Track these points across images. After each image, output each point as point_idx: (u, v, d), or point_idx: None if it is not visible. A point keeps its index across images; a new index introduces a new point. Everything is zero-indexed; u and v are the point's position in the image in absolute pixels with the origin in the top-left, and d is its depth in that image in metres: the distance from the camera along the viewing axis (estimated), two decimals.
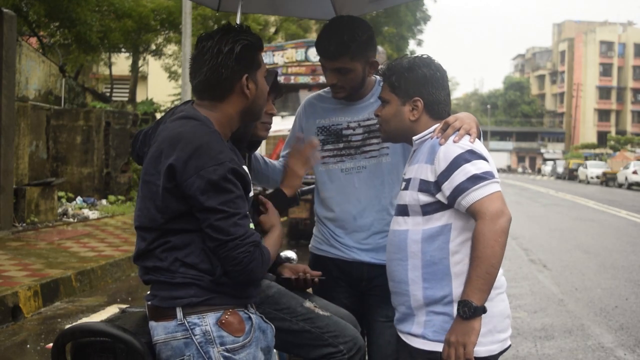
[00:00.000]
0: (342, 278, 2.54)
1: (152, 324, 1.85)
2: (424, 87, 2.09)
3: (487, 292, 1.87)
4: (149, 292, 1.89)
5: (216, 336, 1.78)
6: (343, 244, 2.51)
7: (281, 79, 10.32)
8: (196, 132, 1.79)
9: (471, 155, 1.95)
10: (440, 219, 1.98)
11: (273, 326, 1.98)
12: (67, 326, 1.95)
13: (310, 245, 2.68)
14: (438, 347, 1.94)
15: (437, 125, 2.07)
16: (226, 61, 1.85)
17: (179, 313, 1.79)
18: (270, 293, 2.25)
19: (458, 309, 1.88)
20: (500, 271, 1.98)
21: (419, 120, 2.10)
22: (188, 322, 1.78)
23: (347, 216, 2.49)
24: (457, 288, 1.95)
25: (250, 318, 1.86)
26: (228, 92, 1.89)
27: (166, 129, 1.85)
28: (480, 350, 1.92)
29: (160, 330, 1.81)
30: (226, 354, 1.79)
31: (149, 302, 1.86)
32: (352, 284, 2.54)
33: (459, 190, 1.92)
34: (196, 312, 1.79)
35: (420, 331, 1.99)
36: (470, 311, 1.85)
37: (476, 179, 1.91)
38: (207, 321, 1.79)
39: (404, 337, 2.06)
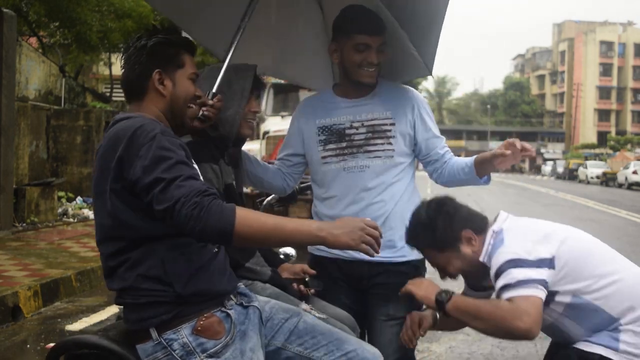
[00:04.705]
0: (342, 278, 2.52)
1: (134, 344, 1.83)
2: (459, 220, 2.17)
3: (460, 315, 2.02)
4: (123, 314, 1.87)
5: (195, 345, 1.75)
6: None
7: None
8: (128, 125, 1.76)
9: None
10: (565, 297, 2.02)
11: (257, 304, 1.94)
12: (62, 339, 1.95)
13: (309, 246, 2.65)
14: (599, 350, 1.98)
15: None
16: (139, 57, 1.86)
17: (154, 333, 1.76)
18: (265, 295, 2.23)
19: (440, 293, 2.05)
20: None
21: (476, 243, 2.16)
22: (165, 339, 1.75)
23: (349, 214, 2.47)
24: (626, 324, 1.99)
25: (228, 315, 1.82)
26: (144, 90, 1.88)
27: (104, 138, 1.83)
28: None
29: (142, 353, 1.79)
30: (213, 357, 1.76)
31: (127, 326, 1.85)
32: (353, 284, 2.52)
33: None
34: (170, 328, 1.76)
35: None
36: (445, 297, 2.03)
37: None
38: (183, 333, 1.75)
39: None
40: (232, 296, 1.89)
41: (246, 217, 1.66)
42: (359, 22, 2.40)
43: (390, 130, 2.49)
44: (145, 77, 1.87)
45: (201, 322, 1.77)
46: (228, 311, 1.83)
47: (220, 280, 1.84)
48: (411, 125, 2.52)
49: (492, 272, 2.02)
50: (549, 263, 1.97)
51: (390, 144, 2.48)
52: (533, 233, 2.07)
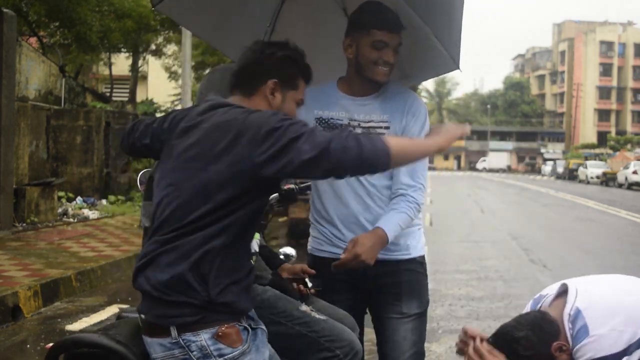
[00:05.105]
0: (346, 279, 2.48)
1: (146, 338, 1.82)
2: (538, 346, 2.06)
3: None
4: (141, 304, 1.85)
5: (213, 349, 1.76)
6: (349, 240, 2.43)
7: None
8: (245, 112, 1.82)
9: None
10: None
11: (263, 327, 1.96)
12: (61, 338, 1.95)
13: (309, 247, 2.61)
14: None
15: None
16: (263, 60, 1.94)
17: (173, 331, 1.76)
18: (265, 297, 2.23)
19: None
20: None
21: (566, 344, 2.09)
22: (183, 340, 1.76)
23: (353, 212, 2.45)
24: None
25: (246, 328, 1.84)
26: (255, 89, 1.94)
27: (206, 116, 1.85)
28: None
29: (156, 347, 1.79)
30: None
31: (142, 316, 1.83)
32: (358, 284, 2.50)
33: None
34: (190, 330, 1.76)
35: None
36: None
37: None
38: (203, 337, 1.77)
39: None
40: (244, 316, 1.91)
41: (391, 138, 1.81)
42: (379, 18, 2.37)
43: (384, 134, 2.43)
44: (261, 79, 1.93)
45: (222, 329, 1.78)
46: (246, 325, 1.85)
47: (245, 298, 1.86)
48: (401, 130, 2.49)
49: None
50: (638, 343, 1.96)
51: None
52: (616, 314, 2.02)
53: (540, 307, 2.24)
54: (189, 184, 1.79)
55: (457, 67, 2.65)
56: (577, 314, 2.05)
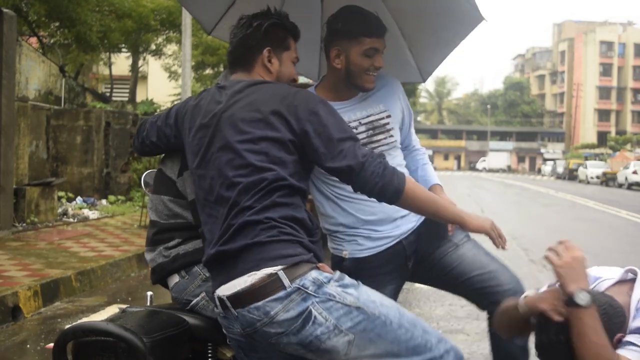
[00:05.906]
0: (391, 269, 2.48)
1: (254, 305, 1.81)
2: (610, 330, 1.89)
3: (578, 325, 1.82)
4: (244, 269, 1.83)
5: (323, 278, 1.84)
6: (386, 230, 2.46)
7: None
8: (274, 84, 2.00)
9: None
10: None
11: None
12: (69, 325, 1.95)
13: (346, 252, 2.50)
14: None
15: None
16: (253, 33, 2.04)
17: (286, 281, 1.80)
18: None
19: (584, 292, 1.82)
20: None
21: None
22: (296, 283, 1.81)
23: (388, 210, 2.40)
24: None
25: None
26: (253, 62, 2.05)
27: (240, 98, 1.94)
28: None
29: (273, 304, 1.80)
30: (340, 282, 1.87)
31: (237, 289, 1.82)
32: (404, 267, 2.50)
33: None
34: (299, 275, 1.82)
35: None
36: (588, 302, 1.80)
37: None
38: (310, 272, 1.84)
39: None
40: None
41: (413, 183, 1.98)
42: (366, 25, 2.33)
43: (388, 123, 2.48)
44: (257, 52, 2.05)
45: (319, 264, 1.89)
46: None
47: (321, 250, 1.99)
48: (401, 112, 2.58)
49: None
50: None
51: (391, 136, 2.48)
52: None
53: (595, 288, 2.04)
54: (261, 153, 1.88)
55: (423, 80, 2.88)
56: None
